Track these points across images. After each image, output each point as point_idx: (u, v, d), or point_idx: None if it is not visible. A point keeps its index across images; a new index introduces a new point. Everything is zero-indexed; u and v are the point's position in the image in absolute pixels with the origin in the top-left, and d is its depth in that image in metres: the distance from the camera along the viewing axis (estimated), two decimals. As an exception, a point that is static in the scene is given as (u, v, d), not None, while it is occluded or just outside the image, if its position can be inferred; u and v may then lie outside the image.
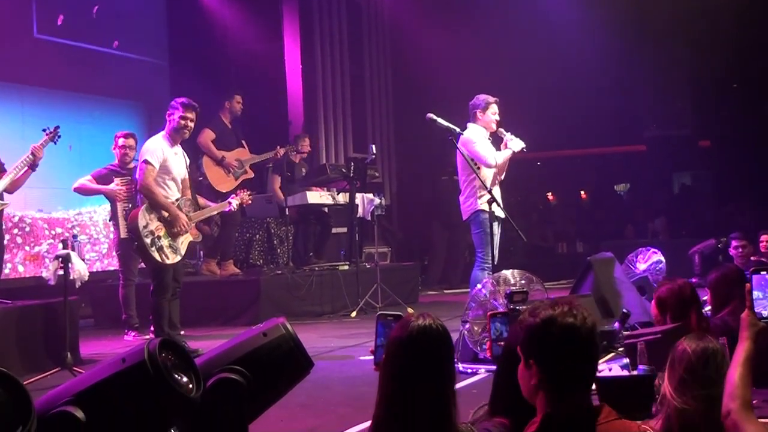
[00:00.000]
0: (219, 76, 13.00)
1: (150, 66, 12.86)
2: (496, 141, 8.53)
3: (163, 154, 7.66)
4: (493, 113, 8.41)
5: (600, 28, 14.94)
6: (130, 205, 9.14)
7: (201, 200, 8.85)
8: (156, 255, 7.56)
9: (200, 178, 10.41)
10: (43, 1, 11.21)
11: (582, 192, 19.17)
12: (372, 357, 3.16)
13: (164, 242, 7.61)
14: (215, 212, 8.60)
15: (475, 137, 8.31)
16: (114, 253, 9.82)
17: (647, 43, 16.24)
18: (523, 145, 8.31)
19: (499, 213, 8.21)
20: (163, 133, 7.80)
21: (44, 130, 7.82)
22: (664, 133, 17.11)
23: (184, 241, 7.81)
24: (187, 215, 7.80)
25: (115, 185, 9.14)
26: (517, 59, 15.06)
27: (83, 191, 9.48)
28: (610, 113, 16.65)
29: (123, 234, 9.13)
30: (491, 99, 8.44)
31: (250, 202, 9.06)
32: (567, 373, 2.54)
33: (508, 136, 8.33)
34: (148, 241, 7.52)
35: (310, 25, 14.42)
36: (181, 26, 13.27)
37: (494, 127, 8.41)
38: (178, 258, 7.80)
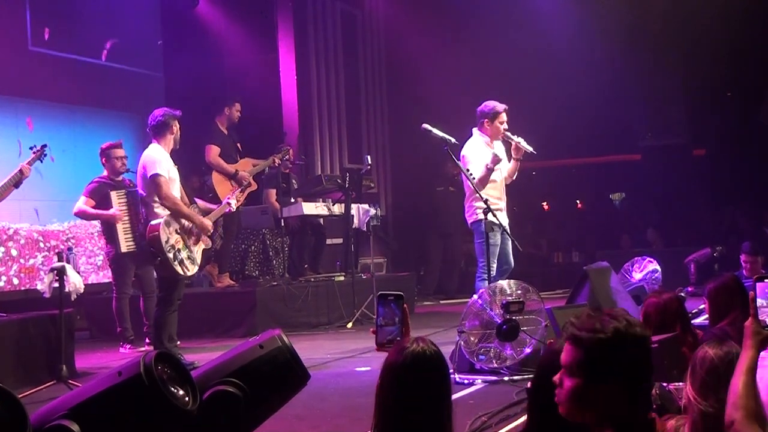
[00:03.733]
0: (214, 88, 13.00)
1: (145, 78, 12.87)
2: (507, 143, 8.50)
3: (167, 164, 7.71)
4: (500, 122, 8.31)
5: (595, 38, 14.98)
6: (128, 218, 9.13)
7: (201, 204, 8.88)
8: (178, 268, 7.62)
9: (210, 195, 10.40)
10: (36, 14, 11.21)
11: (577, 201, 19.18)
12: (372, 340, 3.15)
13: (183, 254, 7.66)
14: (218, 216, 8.64)
15: (471, 152, 8.26)
16: (108, 266, 9.75)
17: (642, 52, 16.26)
18: (530, 149, 8.24)
19: (503, 221, 8.20)
20: (157, 144, 7.80)
21: (31, 149, 7.81)
22: (659, 142, 17.12)
23: (198, 251, 7.88)
24: None
25: (116, 209, 9.09)
26: (511, 69, 15.07)
27: (84, 216, 9.41)
28: (604, 123, 16.66)
29: (124, 248, 9.08)
30: (500, 107, 8.35)
31: (242, 199, 9.14)
32: (643, 383, 2.61)
33: (516, 139, 8.25)
34: (171, 255, 7.56)
35: (304, 35, 14.43)
36: (176, 37, 13.28)
37: (500, 136, 8.36)
38: (196, 268, 7.96)
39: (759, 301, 2.86)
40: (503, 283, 6.79)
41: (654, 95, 16.78)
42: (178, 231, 7.69)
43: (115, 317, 9.24)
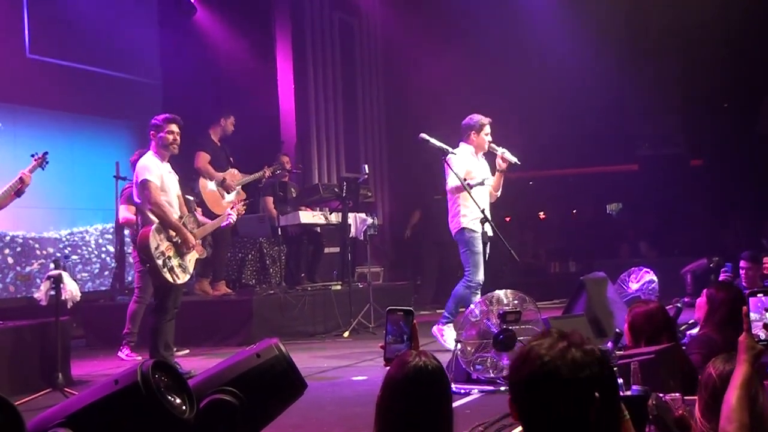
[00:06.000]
0: (211, 96, 13.00)
1: (142, 86, 12.87)
2: (490, 156, 8.63)
3: (159, 171, 7.65)
4: (485, 134, 8.58)
5: (592, 48, 15.00)
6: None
7: (200, 217, 8.84)
8: (168, 276, 7.54)
9: (196, 200, 10.38)
10: (35, 21, 11.22)
11: (574, 211, 19.18)
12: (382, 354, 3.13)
13: (174, 262, 7.59)
14: (217, 226, 8.59)
15: (456, 164, 8.39)
16: (136, 271, 9.57)
17: (639, 63, 16.31)
18: (515, 159, 8.39)
19: (489, 231, 8.33)
20: (151, 152, 7.77)
21: (33, 156, 7.73)
22: (656, 152, 17.15)
23: (191, 259, 7.81)
24: (192, 232, 7.80)
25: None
26: (509, 79, 15.10)
27: (128, 225, 9.41)
28: (602, 132, 16.69)
29: None
30: (485, 120, 8.59)
31: (243, 211, 9.07)
32: None
33: (500, 151, 8.41)
34: (160, 262, 7.50)
35: (302, 44, 14.45)
36: (174, 46, 13.29)
37: (486, 147, 8.57)
38: (188, 277, 7.83)
39: (752, 315, 2.86)
40: (500, 292, 6.79)
41: (651, 105, 16.81)
42: (169, 238, 7.65)
43: (127, 318, 9.11)
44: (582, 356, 2.16)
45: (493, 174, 8.64)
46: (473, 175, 8.46)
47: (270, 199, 11.49)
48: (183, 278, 7.71)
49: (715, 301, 5.19)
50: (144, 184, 7.59)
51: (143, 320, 9.13)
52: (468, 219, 8.37)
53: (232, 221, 8.65)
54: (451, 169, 8.31)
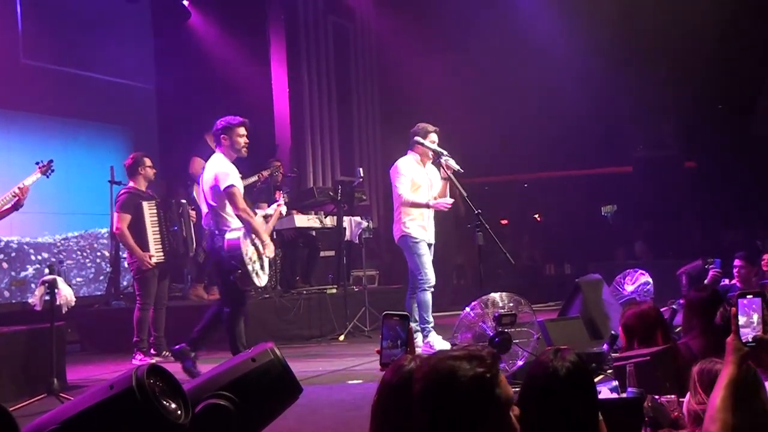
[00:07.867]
0: (205, 101, 12.98)
1: (137, 91, 12.85)
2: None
3: (237, 175, 7.73)
4: (431, 142, 8.70)
5: (585, 50, 15.03)
6: (158, 229, 9.09)
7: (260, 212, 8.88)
8: (255, 279, 7.71)
9: (192, 207, 10.33)
10: (29, 26, 11.20)
11: (569, 213, 19.19)
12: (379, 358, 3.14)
13: (257, 265, 7.73)
14: (276, 222, 8.67)
15: (404, 169, 8.77)
16: (133, 277, 9.48)
17: (633, 65, 16.34)
18: (457, 167, 8.51)
19: (430, 238, 8.81)
20: (221, 155, 7.78)
21: (37, 164, 7.61)
22: (650, 154, 17.18)
23: (266, 261, 7.91)
24: None
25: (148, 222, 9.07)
26: (503, 82, 15.12)
27: (123, 241, 9.23)
28: (596, 135, 16.71)
29: (154, 259, 9.03)
30: (430, 128, 8.79)
31: (285, 201, 9.17)
32: None
33: (444, 159, 8.53)
34: (250, 268, 7.60)
35: (296, 48, 14.45)
36: (168, 50, 13.28)
37: (431, 155, 8.74)
38: (266, 278, 7.99)
39: (740, 318, 2.87)
40: (495, 295, 6.79)
41: (645, 107, 16.84)
42: (253, 243, 7.71)
43: (134, 327, 9.07)
44: None
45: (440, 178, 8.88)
46: (418, 183, 8.75)
47: (264, 205, 11.48)
48: (264, 279, 7.91)
49: (687, 305, 5.20)
50: (229, 191, 7.60)
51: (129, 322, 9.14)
52: (410, 226, 8.52)
53: (283, 213, 8.75)
54: (447, 173, 8.41)
